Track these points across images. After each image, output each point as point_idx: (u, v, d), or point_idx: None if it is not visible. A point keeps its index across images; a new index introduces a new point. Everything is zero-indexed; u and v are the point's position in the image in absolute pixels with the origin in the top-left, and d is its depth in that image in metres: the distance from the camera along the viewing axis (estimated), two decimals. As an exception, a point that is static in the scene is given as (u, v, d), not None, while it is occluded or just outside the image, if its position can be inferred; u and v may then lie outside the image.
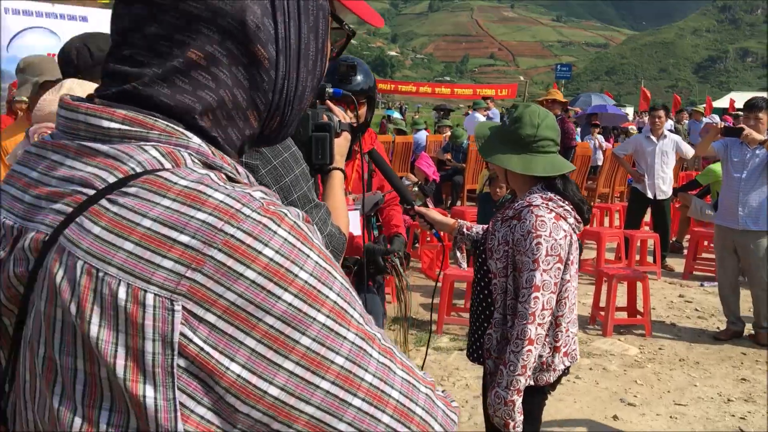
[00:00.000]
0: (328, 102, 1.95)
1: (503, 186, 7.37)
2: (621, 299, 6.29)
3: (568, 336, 2.52)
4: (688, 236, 9.18)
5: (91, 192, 0.68)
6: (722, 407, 4.60)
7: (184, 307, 0.63)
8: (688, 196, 9.14)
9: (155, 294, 0.62)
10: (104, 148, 0.71)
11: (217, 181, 0.68)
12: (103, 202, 0.66)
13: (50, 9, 8.06)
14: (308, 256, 0.68)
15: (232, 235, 0.64)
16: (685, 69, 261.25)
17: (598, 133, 14.45)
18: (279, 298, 0.65)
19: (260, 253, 0.65)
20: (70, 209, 0.68)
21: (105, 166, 0.70)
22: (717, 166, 8.58)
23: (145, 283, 0.63)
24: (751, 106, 5.88)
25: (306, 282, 0.66)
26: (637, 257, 8.31)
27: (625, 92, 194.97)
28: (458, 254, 2.92)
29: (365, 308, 0.76)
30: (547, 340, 2.46)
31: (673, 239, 9.63)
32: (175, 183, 0.66)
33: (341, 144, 1.83)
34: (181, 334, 0.63)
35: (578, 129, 15.49)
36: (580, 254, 2.59)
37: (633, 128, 18.35)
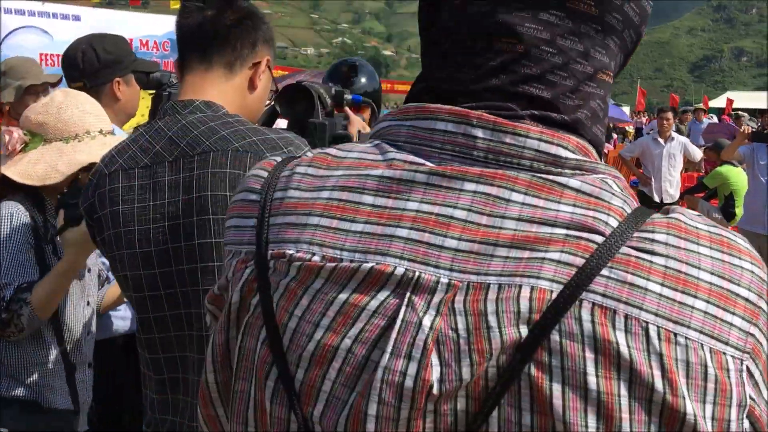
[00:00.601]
0: (347, 109, 1.78)
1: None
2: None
3: None
4: (694, 240, 9.02)
5: (598, 238, 0.58)
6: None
7: (747, 367, 0.58)
8: (695, 199, 8.98)
9: (731, 356, 0.57)
10: (573, 182, 0.61)
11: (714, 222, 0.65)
12: (630, 251, 0.58)
13: (42, 8, 7.92)
14: None
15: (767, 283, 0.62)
16: (680, 68, 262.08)
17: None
18: None
19: None
20: (578, 259, 0.57)
21: (591, 205, 0.60)
22: (724, 169, 8.42)
23: (724, 345, 0.57)
24: None
25: None
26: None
27: (620, 92, 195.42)
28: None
29: None
30: None
31: (679, 243, 9.48)
32: (696, 227, 0.61)
33: None
34: (750, 396, 0.58)
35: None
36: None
37: (630, 128, 18.25)
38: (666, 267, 0.57)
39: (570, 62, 0.64)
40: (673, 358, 0.55)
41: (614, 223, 0.59)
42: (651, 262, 0.57)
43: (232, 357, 0.68)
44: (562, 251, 0.57)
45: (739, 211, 7.77)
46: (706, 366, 0.56)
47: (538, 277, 0.57)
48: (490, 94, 0.64)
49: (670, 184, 8.14)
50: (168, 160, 1.44)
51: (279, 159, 0.75)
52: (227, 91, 1.53)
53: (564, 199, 0.60)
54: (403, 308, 0.58)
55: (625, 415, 0.55)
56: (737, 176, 8.07)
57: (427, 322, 0.57)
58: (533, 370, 0.55)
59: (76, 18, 8.15)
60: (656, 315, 0.56)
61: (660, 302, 0.56)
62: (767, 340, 0.60)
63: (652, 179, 8.13)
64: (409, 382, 0.56)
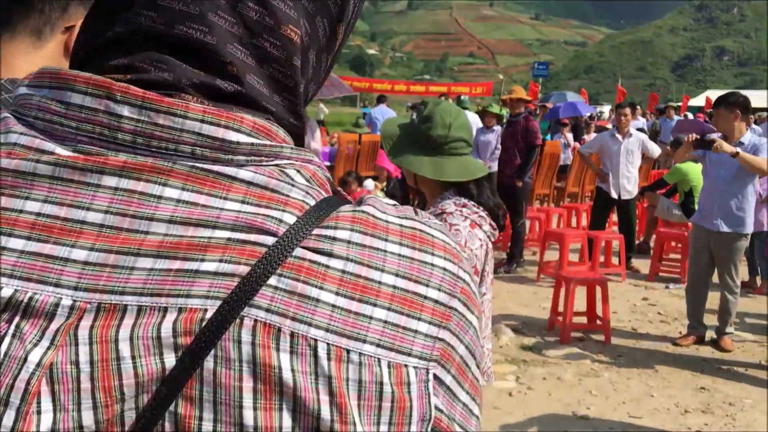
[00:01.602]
0: None
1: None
2: (582, 304, 6.07)
3: (483, 353, 2.28)
4: (655, 236, 9.02)
5: (270, 240, 0.49)
6: (679, 419, 4.38)
7: (434, 375, 0.52)
8: (655, 196, 8.98)
9: (415, 367, 0.51)
10: (244, 173, 0.50)
11: (415, 213, 0.57)
12: (305, 254, 0.49)
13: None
14: None
15: (464, 280, 0.55)
16: (663, 67, 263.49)
17: (568, 131, 14.27)
18: (479, 341, 0.58)
19: (476, 295, 0.58)
20: (243, 267, 0.48)
21: (264, 201, 0.50)
22: (683, 165, 8.43)
23: (406, 357, 0.50)
24: (718, 102, 5.72)
25: None
26: (603, 259, 8.13)
27: (603, 90, 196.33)
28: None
29: None
30: None
31: (641, 239, 9.46)
32: (387, 221, 0.53)
33: None
34: (436, 407, 0.52)
35: (548, 127, 15.33)
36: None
37: (609, 126, 18.25)
38: (344, 271, 0.49)
39: (239, 6, 0.53)
40: (343, 379, 0.48)
41: (290, 220, 0.50)
42: (327, 266, 0.49)
43: None
44: (221, 260, 0.48)
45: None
46: (381, 384, 0.49)
47: (187, 296, 0.47)
48: (141, 40, 0.52)
49: (628, 181, 8.10)
50: None
51: None
52: (37, 63, 1.41)
53: (231, 195, 0.50)
54: (8, 339, 0.46)
55: None
56: (696, 172, 8.05)
57: (34, 356, 0.45)
58: (181, 408, 0.45)
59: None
60: (327, 330, 0.48)
61: (333, 315, 0.48)
62: (461, 342, 0.54)
63: (610, 175, 8.09)
64: None
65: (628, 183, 8.10)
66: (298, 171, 0.53)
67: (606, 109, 31.71)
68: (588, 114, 18.08)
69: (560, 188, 12.52)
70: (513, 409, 4.40)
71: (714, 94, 32.14)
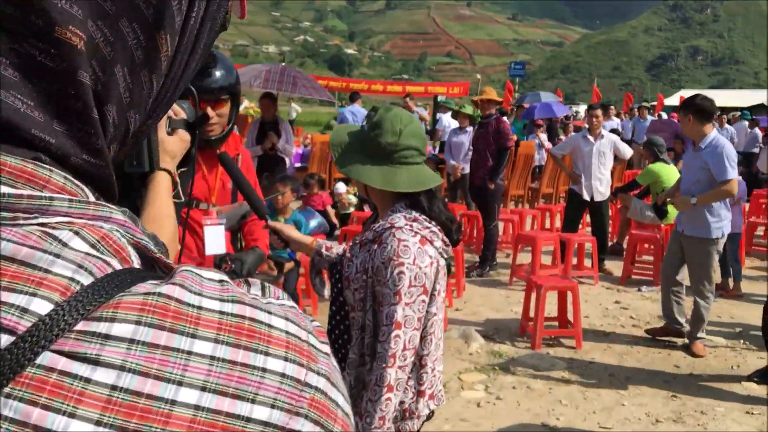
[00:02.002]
0: None
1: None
2: (554, 308, 5.96)
3: (434, 376, 2.15)
4: (628, 238, 8.96)
5: (6, 339, 0.34)
6: (650, 428, 4.28)
7: None
8: (628, 197, 8.91)
9: None
10: None
11: (248, 293, 0.42)
12: (57, 361, 0.35)
13: None
14: None
15: (316, 388, 0.41)
16: (638, 67, 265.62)
17: (542, 132, 14.21)
18: None
19: (338, 405, 0.43)
20: None
21: (4, 281, 0.36)
22: (655, 167, 8.38)
23: None
24: (680, 107, 5.79)
25: None
26: (576, 261, 8.04)
27: (580, 90, 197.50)
28: (317, 280, 2.51)
29: None
30: (410, 383, 2.08)
31: (614, 241, 9.40)
32: (199, 307, 0.39)
33: (173, 142, 1.46)
34: None
35: (523, 127, 15.27)
36: (448, 277, 2.21)
37: (585, 126, 18.27)
38: (114, 388, 0.35)
39: None
40: None
41: (43, 309, 0.36)
42: (88, 380, 0.35)
43: None
44: None
45: (671, 209, 7.70)
46: None
47: None
48: None
49: (600, 182, 8.03)
50: None
51: None
52: None
53: None
54: None
55: None
56: (669, 173, 8.02)
57: None
58: None
59: None
60: None
61: None
62: None
63: (582, 177, 8.01)
64: None
65: (600, 185, 8.03)
66: (76, 233, 0.39)
67: (582, 108, 31.82)
68: (563, 114, 18.06)
69: (534, 189, 12.45)
70: (481, 421, 4.27)
71: (688, 94, 32.28)
